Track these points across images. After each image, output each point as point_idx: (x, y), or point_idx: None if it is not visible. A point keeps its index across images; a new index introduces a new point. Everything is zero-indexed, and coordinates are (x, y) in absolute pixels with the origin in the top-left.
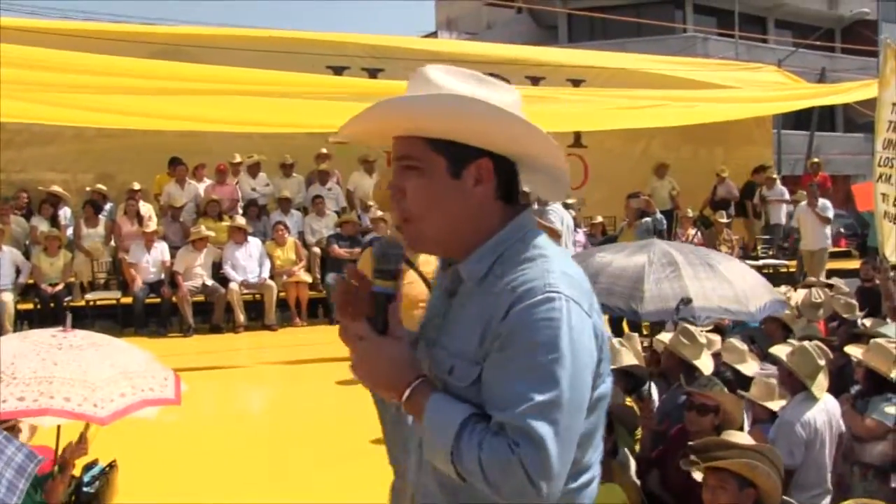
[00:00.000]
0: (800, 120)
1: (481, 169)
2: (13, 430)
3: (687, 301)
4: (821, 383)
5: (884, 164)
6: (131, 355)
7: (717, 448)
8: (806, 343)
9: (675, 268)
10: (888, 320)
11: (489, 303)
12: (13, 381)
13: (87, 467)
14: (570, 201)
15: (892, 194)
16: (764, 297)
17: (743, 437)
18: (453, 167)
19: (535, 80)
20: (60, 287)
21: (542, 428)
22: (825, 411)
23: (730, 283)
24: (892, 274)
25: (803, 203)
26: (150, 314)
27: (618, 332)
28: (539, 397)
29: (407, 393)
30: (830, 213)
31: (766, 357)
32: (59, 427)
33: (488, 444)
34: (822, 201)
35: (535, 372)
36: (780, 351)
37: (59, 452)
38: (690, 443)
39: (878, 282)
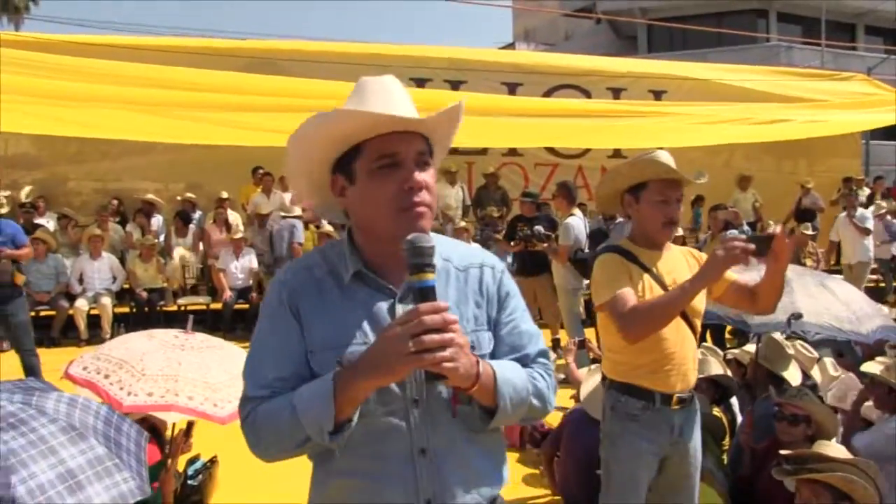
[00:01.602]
0: (889, 129)
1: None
2: None
3: (798, 316)
4: None
5: None
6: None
7: (812, 460)
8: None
9: (788, 283)
10: None
11: (463, 280)
12: (143, 377)
13: (191, 461)
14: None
15: None
16: (875, 320)
17: (839, 450)
18: (434, 164)
19: (616, 92)
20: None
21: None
22: None
23: (844, 303)
24: None
25: (843, 214)
26: (237, 319)
27: (720, 343)
28: (536, 328)
29: (481, 371)
30: (870, 224)
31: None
32: (173, 424)
33: (540, 374)
34: (860, 211)
35: (526, 313)
36: (873, 368)
37: (168, 446)
38: (783, 451)
39: None
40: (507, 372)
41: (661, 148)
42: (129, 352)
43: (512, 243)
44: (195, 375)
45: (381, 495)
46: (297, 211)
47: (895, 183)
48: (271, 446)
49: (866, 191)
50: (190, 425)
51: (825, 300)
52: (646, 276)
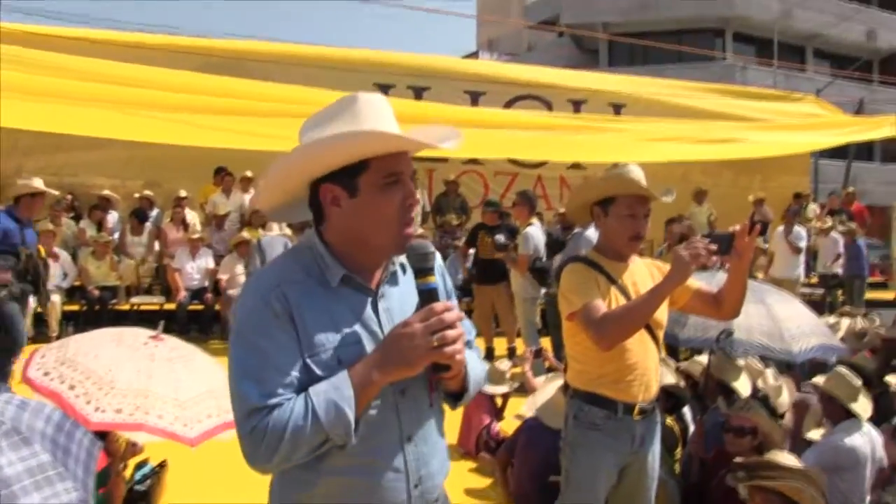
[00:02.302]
0: (837, 149)
1: None
2: None
3: (728, 333)
4: (863, 405)
5: None
6: (215, 373)
7: (765, 468)
8: (840, 368)
9: None
10: None
11: (408, 280)
12: (112, 391)
13: (139, 466)
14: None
15: None
16: (811, 339)
17: (790, 459)
18: None
19: (576, 104)
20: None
21: None
22: (868, 440)
23: (778, 320)
24: None
25: (780, 228)
26: (192, 320)
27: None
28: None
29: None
30: (803, 244)
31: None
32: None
33: (479, 357)
34: (797, 230)
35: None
36: (817, 379)
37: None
38: (737, 459)
39: None
40: (470, 359)
41: (620, 163)
42: (97, 360)
43: (471, 251)
44: (165, 392)
45: (377, 489)
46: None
47: (845, 197)
48: (287, 454)
49: (815, 207)
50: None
51: (759, 317)
52: (611, 287)
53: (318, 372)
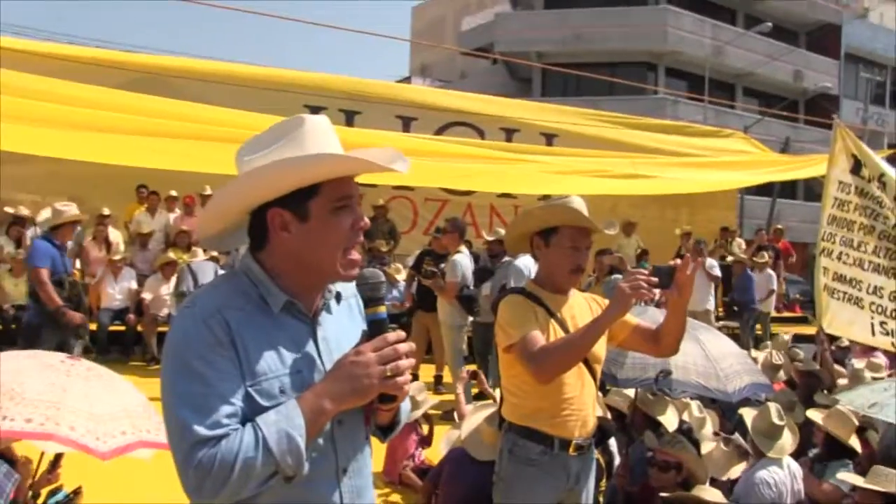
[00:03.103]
0: (762, 186)
1: None
2: None
3: (667, 373)
4: (781, 445)
5: (827, 239)
6: (132, 394)
7: (690, 503)
8: (770, 404)
9: None
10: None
11: (346, 308)
12: (22, 401)
13: (52, 493)
14: None
15: (831, 268)
16: (744, 378)
17: (714, 494)
18: None
19: (509, 133)
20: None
21: None
22: (789, 473)
23: (712, 359)
24: (828, 345)
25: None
26: (113, 341)
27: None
28: None
29: None
30: (717, 272)
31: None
32: (41, 454)
33: None
34: (709, 260)
35: None
36: (748, 414)
37: (36, 477)
38: (664, 495)
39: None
40: None
41: (546, 196)
42: (8, 372)
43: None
44: (80, 405)
45: None
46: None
47: (773, 234)
48: (237, 488)
49: (741, 241)
50: (58, 457)
51: (694, 356)
52: (550, 321)
53: (261, 401)
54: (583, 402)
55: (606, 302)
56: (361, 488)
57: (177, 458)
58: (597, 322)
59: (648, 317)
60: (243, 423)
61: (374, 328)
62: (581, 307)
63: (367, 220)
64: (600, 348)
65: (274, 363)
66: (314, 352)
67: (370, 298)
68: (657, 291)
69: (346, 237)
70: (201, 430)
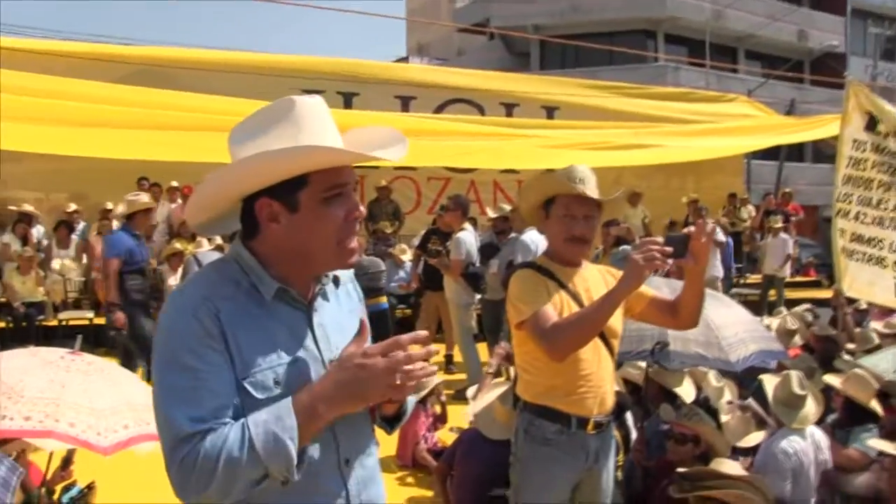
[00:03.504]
0: (769, 150)
1: None
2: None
3: (663, 345)
4: (804, 416)
5: (842, 200)
6: (135, 386)
7: (708, 477)
8: (792, 372)
9: None
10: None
11: (351, 296)
12: (21, 399)
13: (66, 489)
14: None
15: (849, 229)
16: (750, 346)
17: (734, 467)
18: None
19: (509, 108)
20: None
21: None
22: (811, 441)
23: (715, 328)
24: (848, 309)
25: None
26: None
27: None
28: None
29: None
30: (722, 237)
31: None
32: (51, 452)
33: None
34: (711, 225)
35: None
36: (769, 382)
37: (49, 475)
38: (680, 470)
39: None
40: None
41: (552, 169)
42: (7, 371)
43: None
44: (79, 400)
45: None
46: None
47: (781, 198)
48: (223, 488)
49: (750, 208)
50: (70, 454)
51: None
52: (562, 293)
53: (255, 394)
54: (600, 379)
55: (620, 274)
56: (367, 479)
57: (164, 454)
58: (611, 295)
59: (653, 285)
60: (237, 418)
61: (376, 320)
62: (595, 279)
63: (362, 208)
64: (617, 321)
65: (267, 353)
66: (310, 339)
67: (369, 289)
68: (670, 261)
69: (339, 228)
70: (185, 426)
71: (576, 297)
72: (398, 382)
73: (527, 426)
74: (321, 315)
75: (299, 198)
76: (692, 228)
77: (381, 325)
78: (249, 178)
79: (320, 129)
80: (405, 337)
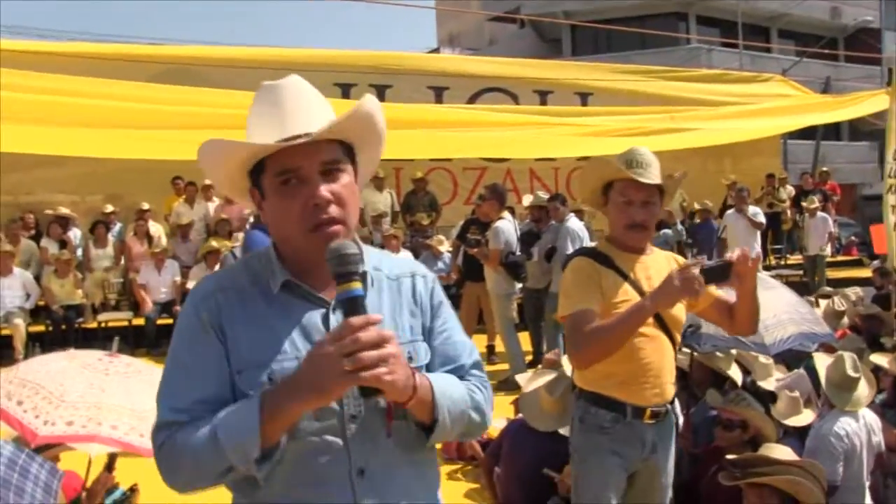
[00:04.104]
0: (805, 129)
1: (358, 173)
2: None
3: (695, 328)
4: (857, 398)
5: (893, 176)
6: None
7: (758, 463)
8: (845, 354)
9: None
10: None
11: (405, 290)
12: (62, 404)
13: (109, 491)
14: (584, 208)
15: None
16: (789, 328)
17: (784, 452)
18: (353, 168)
19: (542, 95)
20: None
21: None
22: (864, 423)
23: None
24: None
25: (731, 211)
26: (161, 335)
27: None
28: (468, 339)
29: (418, 383)
30: (762, 218)
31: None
32: (89, 460)
33: (477, 385)
34: (752, 208)
35: (458, 323)
36: (820, 362)
37: (90, 481)
38: (729, 456)
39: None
40: (444, 384)
41: (585, 157)
42: (47, 375)
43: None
44: (120, 403)
45: None
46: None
47: (819, 177)
48: (190, 477)
49: (790, 188)
50: (112, 458)
51: None
52: (621, 282)
53: (244, 389)
54: (660, 368)
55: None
56: (387, 491)
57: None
58: (639, 310)
59: None
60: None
61: (345, 309)
62: (658, 266)
63: (323, 194)
64: (680, 311)
65: (265, 350)
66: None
67: (339, 274)
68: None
69: (299, 215)
70: (166, 414)
71: (636, 285)
72: (348, 368)
73: (582, 414)
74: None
75: (263, 183)
76: (734, 255)
77: (352, 313)
78: (207, 166)
79: (287, 109)
80: (356, 320)
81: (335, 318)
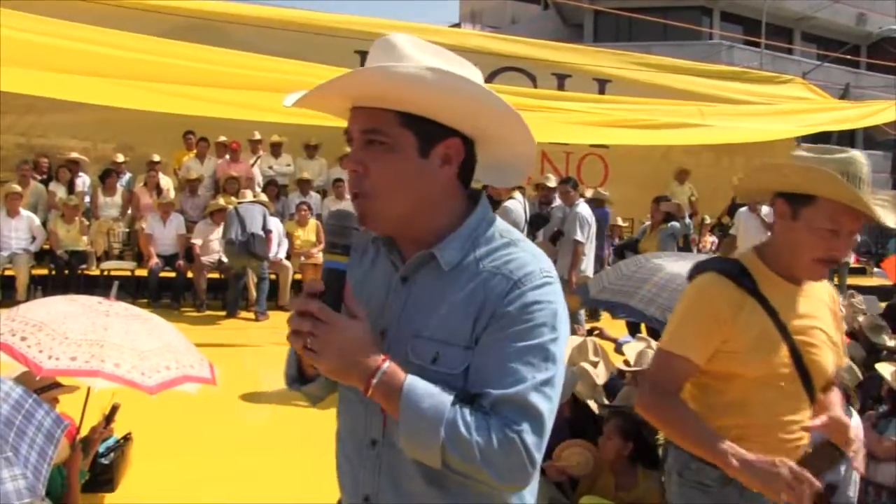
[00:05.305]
0: (820, 136)
1: (450, 149)
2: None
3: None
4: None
5: None
6: (171, 333)
7: None
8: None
9: None
10: None
11: (476, 287)
12: (65, 340)
13: (103, 439)
14: (604, 194)
15: None
16: None
17: None
18: (423, 145)
19: (561, 78)
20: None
21: (543, 405)
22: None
23: None
24: None
25: (744, 209)
26: (163, 287)
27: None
28: (540, 375)
29: (378, 377)
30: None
31: None
32: (86, 399)
33: (484, 424)
34: (765, 208)
35: (537, 351)
36: (885, 370)
37: (84, 428)
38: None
39: None
40: (422, 391)
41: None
42: (48, 315)
43: None
44: (122, 342)
45: (350, 478)
46: (262, 196)
47: None
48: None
49: None
50: (113, 410)
51: None
52: (764, 319)
53: None
54: (786, 429)
55: (839, 301)
56: (387, 467)
57: None
58: (718, 453)
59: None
60: None
61: (326, 280)
62: (816, 304)
63: (348, 163)
64: (829, 362)
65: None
66: (399, 303)
67: (331, 243)
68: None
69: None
70: None
71: (782, 328)
72: (287, 333)
73: (681, 468)
74: (415, 286)
75: None
76: (823, 424)
77: (331, 287)
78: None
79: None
80: (308, 285)
81: (409, 290)
